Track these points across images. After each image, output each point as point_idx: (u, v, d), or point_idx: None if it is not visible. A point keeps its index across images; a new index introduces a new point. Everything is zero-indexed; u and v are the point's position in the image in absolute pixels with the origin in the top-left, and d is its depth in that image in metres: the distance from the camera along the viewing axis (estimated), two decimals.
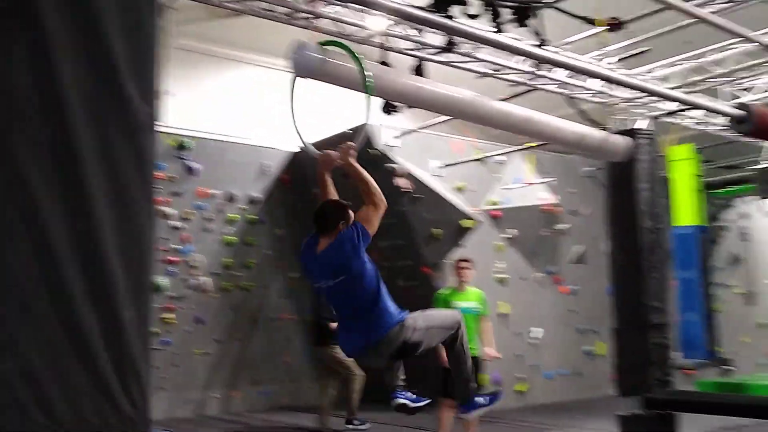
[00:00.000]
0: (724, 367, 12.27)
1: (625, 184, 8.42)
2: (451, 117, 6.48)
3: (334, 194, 4.24)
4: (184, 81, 10.24)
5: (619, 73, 7.51)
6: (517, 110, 6.60)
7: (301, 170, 11.57)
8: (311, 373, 11.33)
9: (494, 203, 10.75)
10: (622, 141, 8.11)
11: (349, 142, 4.11)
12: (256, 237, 11.29)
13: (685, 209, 11.11)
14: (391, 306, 3.98)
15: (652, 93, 7.35)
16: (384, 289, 3.97)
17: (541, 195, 11.21)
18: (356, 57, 4.59)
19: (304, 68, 5.08)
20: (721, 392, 10.47)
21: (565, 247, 11.63)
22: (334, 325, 8.55)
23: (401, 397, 4.24)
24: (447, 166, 10.29)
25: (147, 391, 2.80)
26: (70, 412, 2.62)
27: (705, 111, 8.94)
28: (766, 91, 8.92)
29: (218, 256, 10.83)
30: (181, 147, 10.46)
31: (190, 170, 10.54)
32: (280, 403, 11.04)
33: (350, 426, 8.85)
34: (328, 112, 12.02)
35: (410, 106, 6.85)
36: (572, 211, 11.63)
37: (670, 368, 8.27)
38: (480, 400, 4.47)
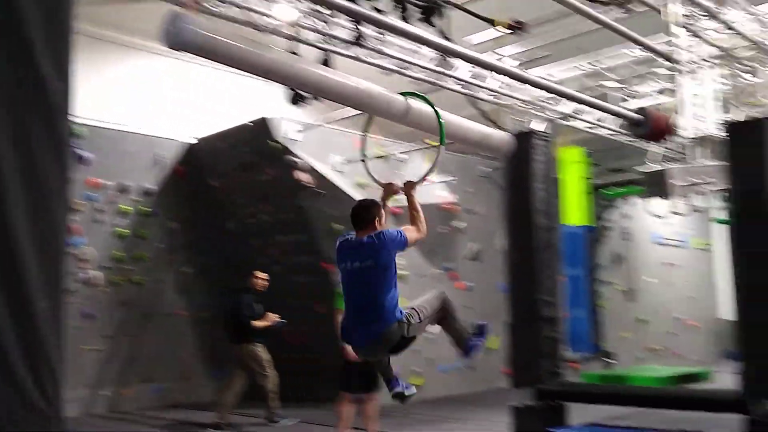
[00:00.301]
0: (606, 360, 12.90)
1: (521, 184, 8.67)
2: (361, 111, 6.46)
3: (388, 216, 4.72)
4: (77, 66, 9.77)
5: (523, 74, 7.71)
6: (427, 108, 6.65)
7: (196, 162, 11.31)
8: (205, 370, 11.11)
9: (395, 200, 10.83)
10: (511, 140, 8.33)
11: (412, 180, 4.85)
12: (149, 230, 10.96)
13: (574, 209, 11.57)
14: (396, 307, 4.29)
15: (558, 93, 7.56)
16: (396, 294, 4.30)
17: (439, 193, 11.40)
18: (431, 104, 5.34)
19: (178, 41, 4.92)
20: (605, 383, 11.03)
21: (461, 244, 11.89)
22: (258, 323, 8.55)
23: (399, 386, 4.51)
24: (349, 162, 10.31)
25: (61, 387, 2.67)
26: None
27: (597, 115, 9.36)
28: (650, 96, 9.43)
29: (109, 249, 10.47)
30: (72, 135, 9.99)
31: (80, 159, 10.08)
32: (172, 400, 10.76)
33: (275, 423, 8.80)
34: (228, 102, 11.86)
35: (317, 97, 6.79)
36: (469, 210, 11.90)
37: (561, 361, 8.59)
38: (475, 341, 4.67)
